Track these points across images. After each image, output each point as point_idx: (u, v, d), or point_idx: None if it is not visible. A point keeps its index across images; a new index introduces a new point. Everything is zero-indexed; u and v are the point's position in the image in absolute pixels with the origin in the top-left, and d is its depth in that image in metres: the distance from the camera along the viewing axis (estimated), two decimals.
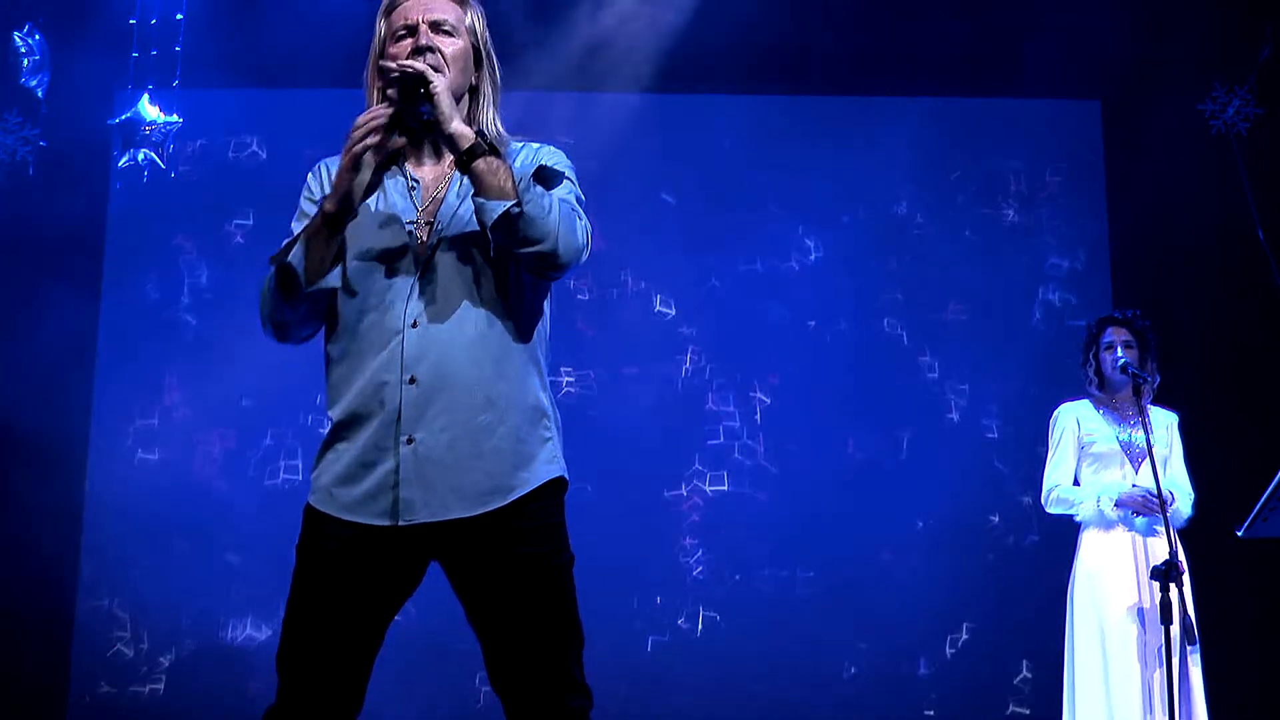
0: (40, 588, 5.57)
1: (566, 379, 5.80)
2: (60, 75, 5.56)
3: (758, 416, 5.84)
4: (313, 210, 2.38)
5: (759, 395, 5.86)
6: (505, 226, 2.21)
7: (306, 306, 2.34)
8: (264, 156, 5.88)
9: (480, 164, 2.23)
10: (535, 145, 2.50)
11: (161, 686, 5.55)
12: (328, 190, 2.37)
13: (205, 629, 5.63)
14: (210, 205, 5.92)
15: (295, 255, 2.28)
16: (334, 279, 2.30)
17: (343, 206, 2.28)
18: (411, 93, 2.25)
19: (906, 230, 5.97)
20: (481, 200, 2.23)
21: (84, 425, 5.78)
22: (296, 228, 2.41)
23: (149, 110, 5.14)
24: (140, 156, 5.14)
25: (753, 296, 5.90)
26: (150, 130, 5.13)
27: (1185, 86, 5.78)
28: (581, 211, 2.39)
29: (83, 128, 5.66)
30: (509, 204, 2.20)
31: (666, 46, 5.85)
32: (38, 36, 5.44)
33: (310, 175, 2.48)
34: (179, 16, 5.21)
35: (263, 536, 5.55)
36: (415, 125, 2.31)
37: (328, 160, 2.46)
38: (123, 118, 5.16)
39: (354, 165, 2.27)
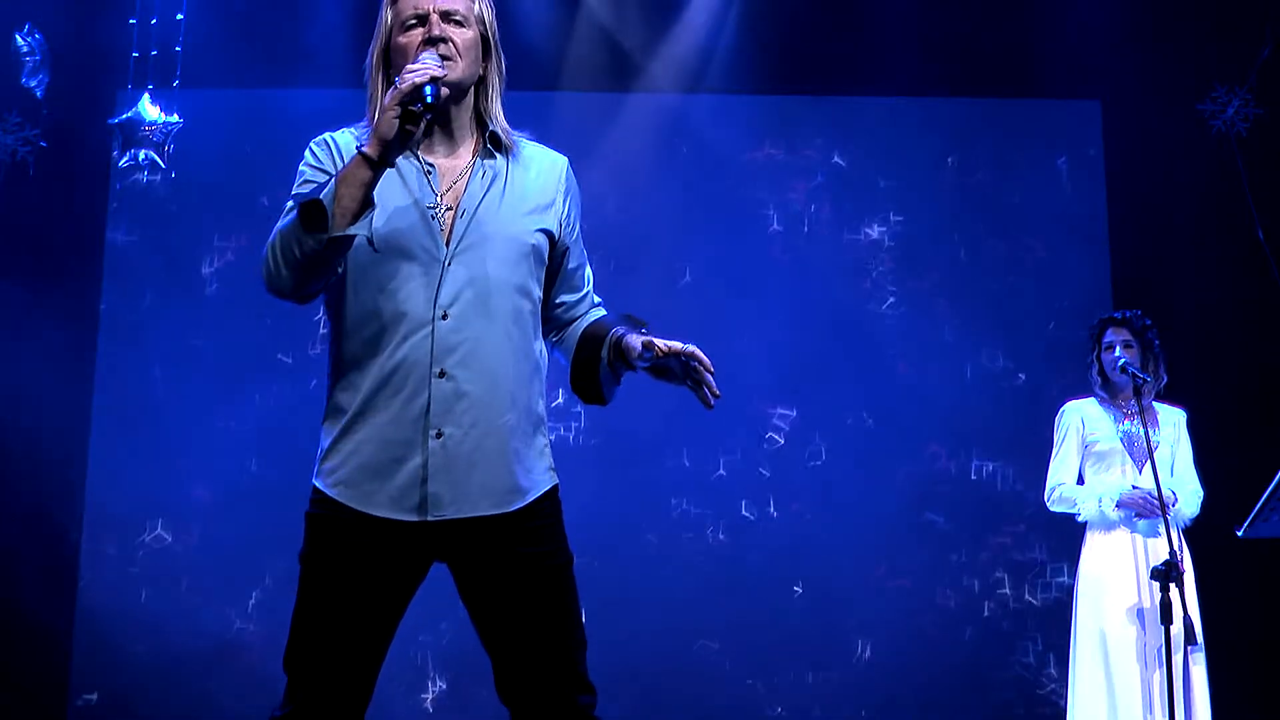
0: (40, 590, 5.57)
1: None
2: (60, 75, 5.56)
3: (763, 426, 5.84)
4: (318, 178, 2.32)
5: (765, 400, 5.86)
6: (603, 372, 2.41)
7: (330, 255, 2.19)
8: (264, 157, 5.87)
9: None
10: (549, 156, 2.48)
11: (160, 691, 5.55)
12: (341, 161, 2.32)
13: (203, 632, 5.63)
14: (210, 205, 5.91)
15: (326, 194, 2.17)
16: (363, 227, 2.19)
17: (384, 150, 2.17)
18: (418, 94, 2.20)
19: (905, 230, 5.97)
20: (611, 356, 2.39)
21: (84, 426, 5.78)
22: (306, 192, 2.28)
23: (149, 110, 5.14)
24: (140, 156, 5.13)
25: (752, 297, 5.89)
26: (150, 130, 5.13)
27: (1185, 86, 5.78)
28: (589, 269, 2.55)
29: (83, 128, 5.66)
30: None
31: (665, 47, 5.87)
32: (38, 36, 5.44)
33: (315, 145, 2.41)
34: (179, 16, 5.21)
35: (263, 539, 5.55)
36: (428, 113, 2.22)
37: (333, 133, 2.41)
38: (123, 118, 5.16)
39: (402, 103, 2.16)
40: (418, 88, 2.18)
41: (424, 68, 2.20)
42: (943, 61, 5.89)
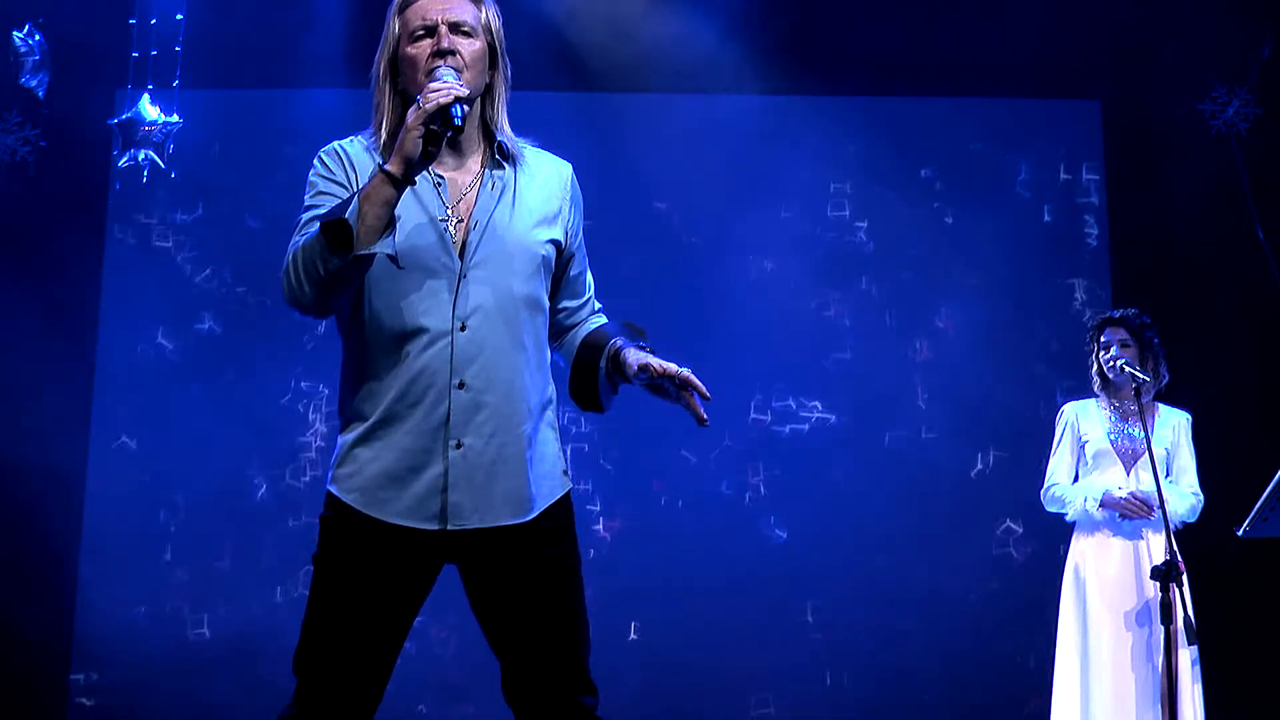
0: (40, 591, 5.57)
1: None
2: (60, 75, 5.56)
3: (766, 418, 5.84)
4: (332, 189, 2.32)
5: (765, 400, 5.86)
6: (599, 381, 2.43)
7: (353, 272, 2.21)
8: (263, 157, 5.87)
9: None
10: (553, 163, 2.48)
11: (160, 692, 5.55)
12: (352, 172, 2.33)
13: (204, 633, 5.63)
14: (210, 206, 5.92)
15: (351, 213, 2.16)
16: (388, 245, 2.19)
17: (407, 168, 2.18)
18: (444, 114, 2.21)
19: (907, 230, 5.97)
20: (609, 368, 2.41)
21: (83, 427, 5.78)
22: (321, 204, 2.30)
23: (149, 110, 5.14)
24: (140, 156, 5.14)
25: (753, 296, 5.89)
26: (150, 130, 5.13)
27: (1185, 86, 5.78)
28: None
29: (83, 128, 5.66)
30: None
31: (668, 46, 5.89)
32: (38, 37, 5.44)
33: (325, 155, 2.39)
34: (179, 16, 5.21)
35: (264, 540, 5.56)
36: (448, 130, 2.23)
37: (341, 142, 2.40)
38: (123, 118, 5.17)
39: (425, 123, 2.17)
40: (444, 108, 2.18)
41: (447, 87, 2.20)
42: (943, 61, 5.89)
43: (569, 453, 5.48)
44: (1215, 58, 5.78)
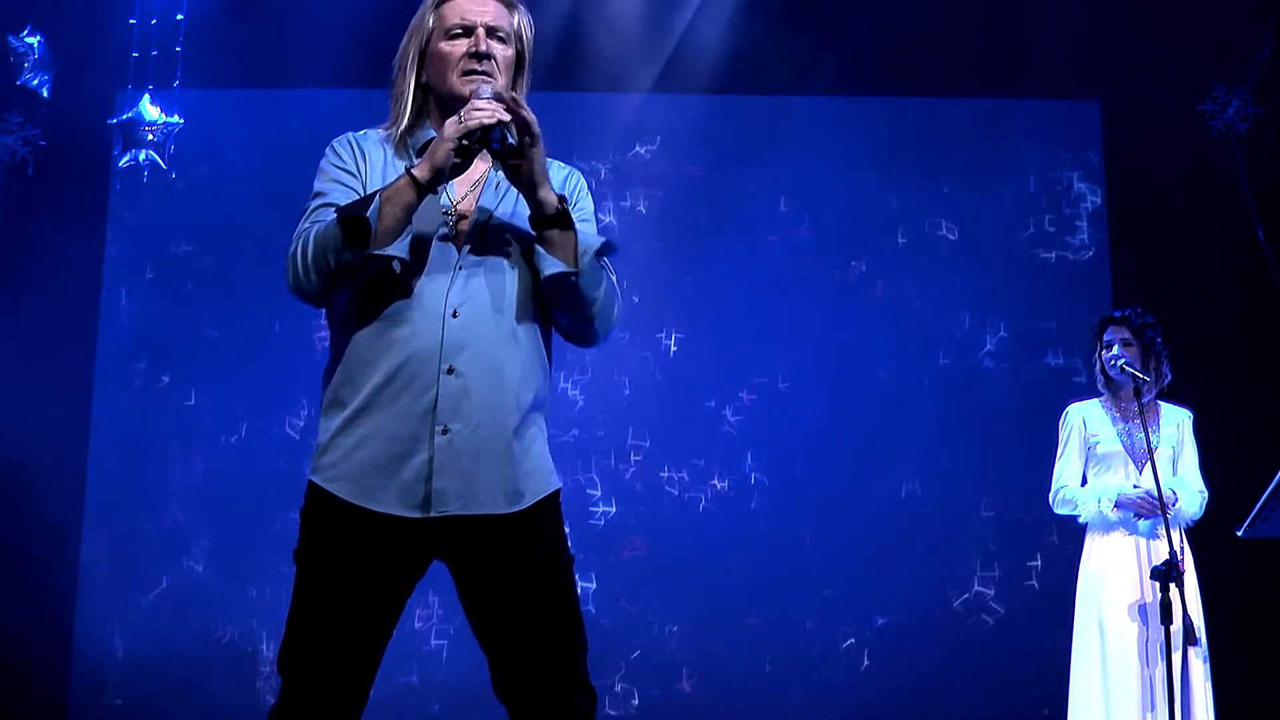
0: (39, 594, 5.57)
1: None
2: (60, 75, 5.56)
3: (752, 414, 5.85)
4: (343, 178, 2.34)
5: (752, 395, 5.86)
6: (557, 287, 2.30)
7: (363, 269, 2.21)
8: (263, 157, 5.87)
9: (554, 234, 2.28)
10: (561, 167, 2.48)
11: (160, 693, 5.55)
12: (364, 163, 2.34)
13: (203, 635, 5.63)
14: (210, 205, 5.91)
15: (373, 211, 2.17)
16: (401, 248, 2.21)
17: (434, 177, 2.21)
18: (484, 135, 2.22)
19: (904, 229, 5.97)
20: (544, 252, 2.29)
21: (83, 425, 5.78)
22: (331, 191, 2.32)
23: (149, 110, 5.15)
24: (141, 157, 5.14)
25: (753, 297, 5.89)
26: (150, 130, 5.14)
27: (1185, 86, 5.78)
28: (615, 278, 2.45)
29: (83, 128, 5.66)
30: (568, 270, 2.28)
31: (668, 47, 5.89)
32: (38, 36, 5.44)
33: (338, 144, 2.41)
34: (179, 16, 5.22)
35: (263, 541, 5.56)
36: (485, 149, 2.25)
37: (354, 134, 2.41)
38: (123, 118, 5.17)
39: (461, 137, 2.19)
40: (486, 129, 2.20)
41: (492, 108, 2.22)
42: (943, 62, 5.89)
43: (574, 443, 5.56)
44: (1215, 58, 5.78)
